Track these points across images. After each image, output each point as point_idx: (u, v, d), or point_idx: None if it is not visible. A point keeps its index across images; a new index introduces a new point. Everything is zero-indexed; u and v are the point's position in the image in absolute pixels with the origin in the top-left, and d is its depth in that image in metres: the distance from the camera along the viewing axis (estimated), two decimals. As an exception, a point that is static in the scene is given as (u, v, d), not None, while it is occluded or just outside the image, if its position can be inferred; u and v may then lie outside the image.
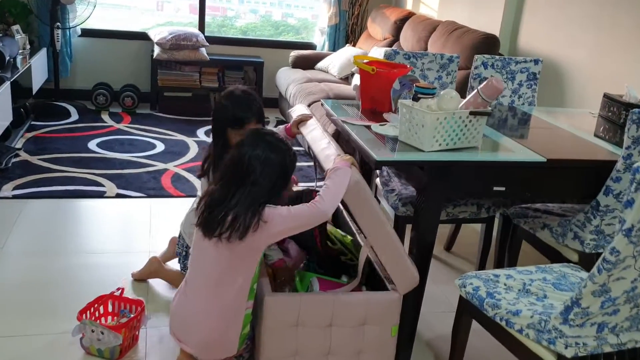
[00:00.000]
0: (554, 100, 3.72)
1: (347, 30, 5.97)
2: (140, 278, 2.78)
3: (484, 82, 2.21)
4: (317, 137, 2.38)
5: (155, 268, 2.77)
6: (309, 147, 2.79)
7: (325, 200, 1.90)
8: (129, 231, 3.26)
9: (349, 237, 2.48)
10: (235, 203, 1.88)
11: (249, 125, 2.33)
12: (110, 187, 3.76)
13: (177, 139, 4.83)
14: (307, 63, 5.59)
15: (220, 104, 2.41)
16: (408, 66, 2.69)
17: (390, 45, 5.15)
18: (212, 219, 1.90)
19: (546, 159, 2.19)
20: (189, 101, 5.63)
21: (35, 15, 5.15)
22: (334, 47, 5.92)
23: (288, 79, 5.24)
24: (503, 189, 2.20)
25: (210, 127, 2.44)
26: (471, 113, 2.17)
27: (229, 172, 1.95)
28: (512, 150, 2.27)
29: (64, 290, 2.64)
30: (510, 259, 2.77)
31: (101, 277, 2.74)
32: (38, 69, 4.92)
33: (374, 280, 2.31)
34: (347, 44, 5.86)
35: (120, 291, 2.41)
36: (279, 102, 5.69)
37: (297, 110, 2.83)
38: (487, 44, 3.88)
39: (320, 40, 6.06)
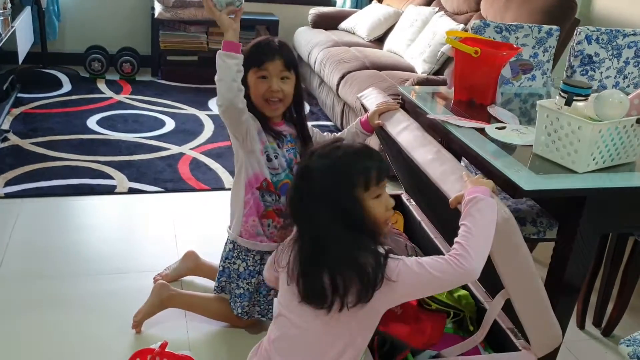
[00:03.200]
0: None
1: (371, -16, 5.31)
2: (173, 279, 2.36)
3: (657, 79, 1.65)
4: (416, 140, 1.81)
5: (193, 265, 2.38)
6: (388, 149, 2.22)
7: (471, 253, 1.33)
8: (150, 241, 2.69)
9: None
10: (338, 260, 1.35)
11: (270, 63, 1.88)
12: (120, 179, 3.18)
13: (187, 113, 4.21)
14: (330, 22, 4.95)
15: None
16: (515, 46, 2.11)
17: (428, 3, 4.51)
18: (312, 286, 1.37)
19: None
20: (196, 66, 4.98)
21: (16, -33, 4.42)
22: (357, 3, 5.27)
23: (310, 42, 4.61)
24: (675, 219, 1.68)
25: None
26: (639, 121, 1.63)
27: (309, 210, 1.40)
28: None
29: (83, 335, 2.09)
30: (629, 281, 2.28)
31: (127, 312, 2.18)
32: (23, 32, 4.21)
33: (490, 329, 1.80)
34: (373, 0, 5.21)
35: (161, 346, 1.87)
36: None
37: (373, 96, 2.25)
38: (563, 7, 3.29)
39: (341, -5, 5.40)
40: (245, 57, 1.86)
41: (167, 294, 2.14)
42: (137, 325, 2.10)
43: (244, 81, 1.87)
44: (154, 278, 2.36)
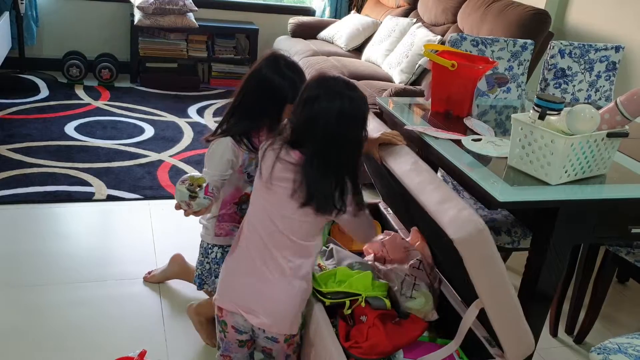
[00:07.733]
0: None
1: (350, -6, 5.37)
2: (160, 281, 2.47)
3: (627, 94, 1.71)
4: (423, 183, 1.74)
5: (178, 268, 2.46)
6: (365, 157, 2.23)
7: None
8: (129, 248, 2.69)
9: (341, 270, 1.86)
10: (341, 175, 1.59)
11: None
12: (98, 186, 3.17)
13: (166, 120, 4.21)
14: (309, 32, 4.98)
15: (280, 77, 1.79)
16: (490, 59, 2.17)
17: (406, 14, 4.58)
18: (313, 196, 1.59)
19: None
20: (175, 73, 4.98)
21: (-6, -28, 4.40)
22: (336, 13, 5.32)
23: (289, 51, 4.63)
24: (643, 230, 1.74)
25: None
26: (609, 135, 1.68)
27: (314, 133, 1.58)
28: (650, 179, 1.80)
29: (60, 344, 2.09)
30: (600, 290, 2.34)
31: (106, 320, 2.19)
32: (1, 37, 4.18)
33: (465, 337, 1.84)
34: (352, 11, 5.26)
35: (140, 354, 1.88)
36: (275, 75, 5.08)
37: (371, 125, 2.13)
38: (538, 21, 3.35)
39: (320, 5, 5.43)
40: (283, 92, 1.80)
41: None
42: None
43: (279, 112, 1.82)
44: (144, 277, 2.47)
